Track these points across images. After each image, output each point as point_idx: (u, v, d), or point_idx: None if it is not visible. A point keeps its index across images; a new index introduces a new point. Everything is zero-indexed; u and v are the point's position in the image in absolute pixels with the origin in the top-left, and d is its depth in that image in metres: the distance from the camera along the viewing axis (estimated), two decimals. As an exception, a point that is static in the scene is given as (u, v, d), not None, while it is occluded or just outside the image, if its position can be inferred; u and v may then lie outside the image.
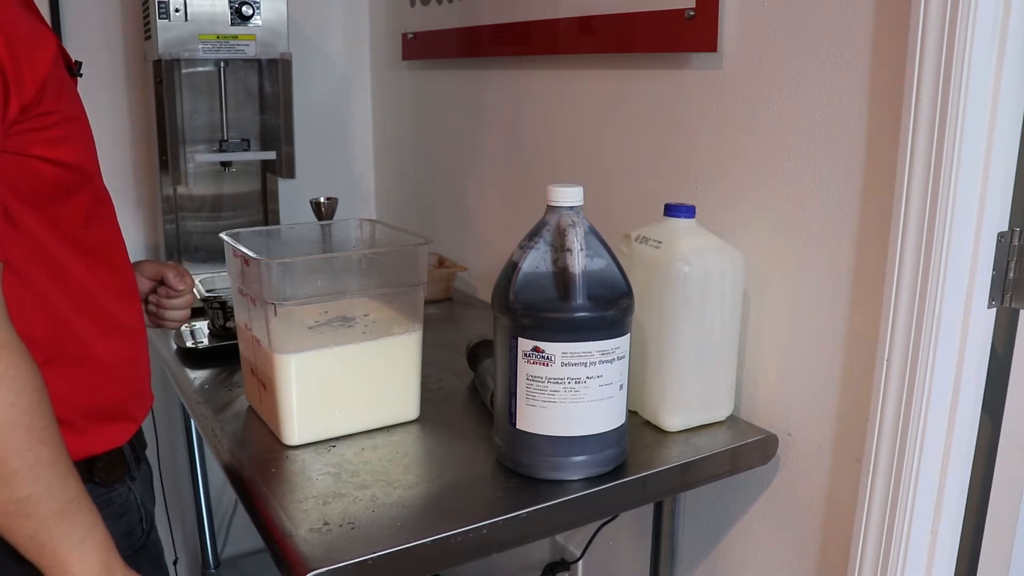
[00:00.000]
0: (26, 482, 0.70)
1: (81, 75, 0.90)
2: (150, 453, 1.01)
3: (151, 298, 1.08)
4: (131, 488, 0.90)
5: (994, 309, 0.91)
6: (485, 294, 1.64)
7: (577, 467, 0.92)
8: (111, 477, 0.87)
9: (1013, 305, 0.90)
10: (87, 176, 0.84)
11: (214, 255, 1.70)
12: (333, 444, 1.02)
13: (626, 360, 0.93)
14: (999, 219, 0.88)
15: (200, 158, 1.64)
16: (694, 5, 1.11)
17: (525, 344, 0.89)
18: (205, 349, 1.34)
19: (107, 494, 0.86)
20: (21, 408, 0.70)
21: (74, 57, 0.88)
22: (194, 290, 1.17)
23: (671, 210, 1.05)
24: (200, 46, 1.55)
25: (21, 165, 0.75)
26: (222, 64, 1.62)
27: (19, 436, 0.70)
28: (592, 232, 0.91)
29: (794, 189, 1.03)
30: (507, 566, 1.66)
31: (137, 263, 1.05)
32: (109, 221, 0.89)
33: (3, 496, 0.70)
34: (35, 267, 0.78)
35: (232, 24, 1.56)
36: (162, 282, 1.07)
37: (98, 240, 0.86)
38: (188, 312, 1.11)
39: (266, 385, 1.03)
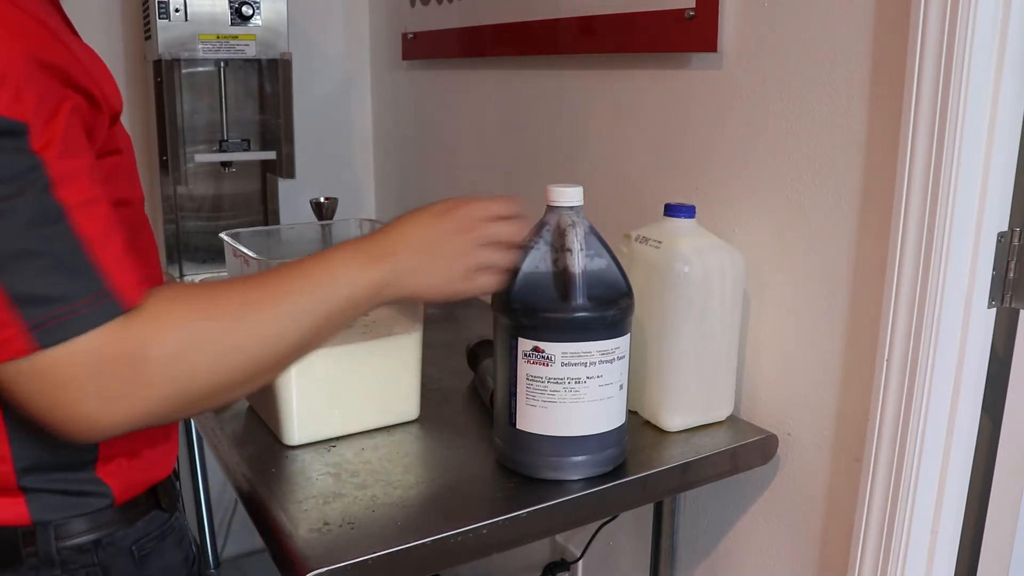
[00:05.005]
0: (284, 333, 0.70)
1: None
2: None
3: None
4: (181, 511, 0.87)
5: (994, 309, 0.91)
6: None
7: (577, 467, 0.92)
8: (172, 501, 0.84)
9: (1013, 305, 0.90)
10: (138, 208, 0.80)
11: (214, 255, 1.70)
12: (333, 444, 1.02)
13: (626, 360, 0.93)
14: (999, 219, 0.88)
15: (200, 158, 1.64)
16: (694, 5, 1.11)
17: (525, 344, 0.89)
18: (205, 349, 1.34)
19: (169, 520, 0.83)
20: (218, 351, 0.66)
21: None
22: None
23: (671, 210, 1.05)
24: (200, 46, 1.55)
25: None
26: (222, 64, 1.62)
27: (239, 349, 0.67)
28: (592, 232, 0.91)
29: (794, 189, 1.03)
30: (507, 566, 1.66)
31: None
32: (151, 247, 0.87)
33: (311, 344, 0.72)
34: None
35: (232, 24, 1.57)
36: None
37: (157, 265, 0.84)
38: None
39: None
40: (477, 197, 0.83)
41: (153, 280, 0.83)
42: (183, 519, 0.88)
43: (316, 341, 0.74)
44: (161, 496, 0.82)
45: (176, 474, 0.90)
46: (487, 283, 0.83)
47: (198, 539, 1.87)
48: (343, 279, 0.74)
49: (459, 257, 0.80)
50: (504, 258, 0.84)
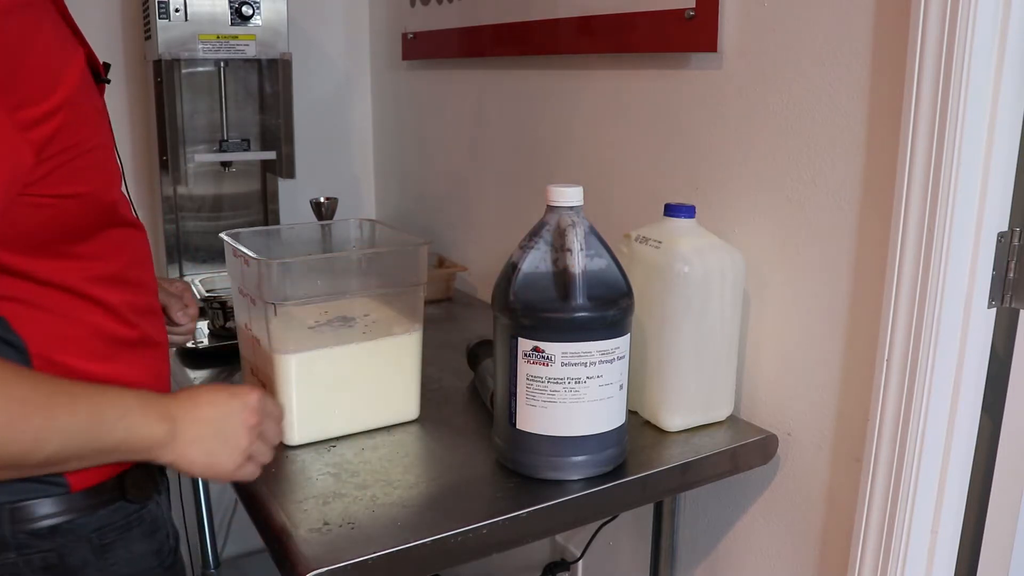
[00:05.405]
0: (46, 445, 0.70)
1: (108, 80, 0.86)
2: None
3: None
4: (158, 503, 0.87)
5: (994, 309, 0.91)
6: (485, 294, 1.64)
7: (577, 467, 0.92)
8: (142, 492, 0.83)
9: (1013, 305, 0.90)
10: (106, 209, 0.80)
11: (214, 255, 1.70)
12: (333, 444, 1.02)
13: (626, 360, 0.93)
14: (999, 219, 0.88)
15: (200, 158, 1.64)
16: (694, 5, 1.10)
17: (525, 344, 0.89)
18: (205, 349, 1.34)
19: (139, 511, 0.84)
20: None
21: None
22: (195, 291, 1.15)
23: (671, 210, 1.05)
24: (200, 46, 1.55)
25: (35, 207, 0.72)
26: (222, 64, 1.62)
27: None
28: (592, 232, 0.91)
29: (794, 189, 1.03)
30: (507, 566, 1.66)
31: None
32: (135, 245, 0.86)
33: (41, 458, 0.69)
34: (64, 299, 0.77)
35: (232, 24, 1.57)
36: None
37: (123, 264, 0.83)
38: (189, 337, 1.12)
39: (266, 385, 1.03)
40: (263, 392, 0.85)
41: (135, 272, 0.83)
42: (160, 511, 0.87)
43: (71, 464, 0.74)
44: (129, 487, 0.82)
45: (161, 468, 0.89)
46: (252, 472, 0.83)
47: (199, 537, 1.87)
48: (123, 424, 0.73)
49: (239, 440, 0.81)
50: (270, 455, 0.86)
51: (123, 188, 0.89)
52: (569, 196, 0.90)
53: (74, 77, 0.72)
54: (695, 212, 1.05)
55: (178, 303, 1.06)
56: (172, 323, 1.05)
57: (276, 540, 0.84)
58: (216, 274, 1.57)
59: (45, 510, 0.77)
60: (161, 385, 0.88)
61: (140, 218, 0.90)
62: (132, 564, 0.83)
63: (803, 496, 1.07)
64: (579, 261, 0.88)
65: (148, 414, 0.75)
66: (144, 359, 0.86)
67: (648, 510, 1.25)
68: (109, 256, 0.81)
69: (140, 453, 0.76)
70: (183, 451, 0.77)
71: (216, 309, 1.37)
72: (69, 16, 0.81)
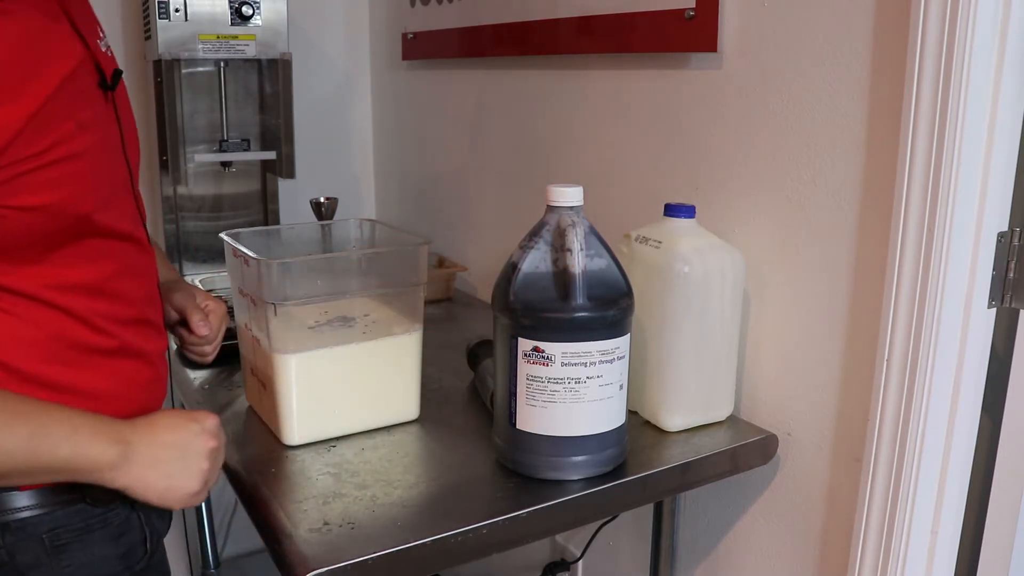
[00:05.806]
0: None
1: (112, 88, 0.82)
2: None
3: (179, 330, 1.05)
4: (134, 507, 0.84)
5: (994, 309, 0.91)
6: (485, 294, 1.64)
7: (577, 467, 0.92)
8: (105, 496, 0.80)
9: (1013, 305, 0.90)
10: (77, 221, 0.76)
11: (214, 255, 1.70)
12: (333, 444, 1.02)
13: (626, 360, 0.93)
14: (999, 219, 0.88)
15: (200, 158, 1.64)
16: (694, 5, 1.10)
17: (525, 344, 0.89)
18: (205, 349, 1.34)
19: (103, 514, 0.82)
20: None
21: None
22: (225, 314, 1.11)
23: (671, 210, 1.05)
24: (200, 46, 1.55)
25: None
26: (222, 64, 1.62)
27: None
28: (592, 232, 0.91)
29: (794, 189, 1.03)
30: (507, 566, 1.66)
31: (171, 285, 1.03)
32: (125, 258, 0.84)
33: None
34: (25, 304, 0.76)
35: (232, 24, 1.57)
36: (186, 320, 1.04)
37: (103, 275, 0.81)
38: (215, 356, 1.09)
39: (266, 385, 1.03)
40: (218, 417, 0.85)
41: (119, 284, 0.81)
42: (135, 514, 0.85)
43: (16, 479, 0.73)
44: (93, 489, 0.79)
45: None
46: (203, 497, 0.83)
47: (199, 537, 1.86)
48: (68, 443, 0.72)
49: (200, 463, 0.80)
50: (216, 479, 0.85)
51: (134, 197, 0.88)
52: (569, 196, 0.90)
53: (50, 83, 0.69)
54: (695, 212, 1.05)
55: (199, 315, 1.03)
56: (192, 334, 1.04)
57: (276, 540, 0.84)
58: (216, 274, 1.57)
59: None
60: (146, 395, 0.87)
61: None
62: (91, 567, 0.81)
63: (803, 496, 1.07)
64: (579, 261, 0.88)
65: (98, 435, 0.74)
66: (123, 369, 0.84)
67: (648, 510, 1.25)
68: (81, 266, 0.79)
69: (89, 474, 0.74)
70: (140, 474, 0.76)
71: (216, 309, 1.37)
72: (79, 17, 0.78)
